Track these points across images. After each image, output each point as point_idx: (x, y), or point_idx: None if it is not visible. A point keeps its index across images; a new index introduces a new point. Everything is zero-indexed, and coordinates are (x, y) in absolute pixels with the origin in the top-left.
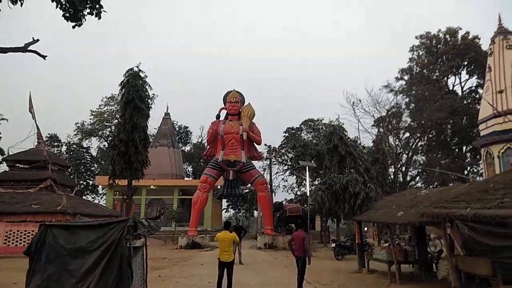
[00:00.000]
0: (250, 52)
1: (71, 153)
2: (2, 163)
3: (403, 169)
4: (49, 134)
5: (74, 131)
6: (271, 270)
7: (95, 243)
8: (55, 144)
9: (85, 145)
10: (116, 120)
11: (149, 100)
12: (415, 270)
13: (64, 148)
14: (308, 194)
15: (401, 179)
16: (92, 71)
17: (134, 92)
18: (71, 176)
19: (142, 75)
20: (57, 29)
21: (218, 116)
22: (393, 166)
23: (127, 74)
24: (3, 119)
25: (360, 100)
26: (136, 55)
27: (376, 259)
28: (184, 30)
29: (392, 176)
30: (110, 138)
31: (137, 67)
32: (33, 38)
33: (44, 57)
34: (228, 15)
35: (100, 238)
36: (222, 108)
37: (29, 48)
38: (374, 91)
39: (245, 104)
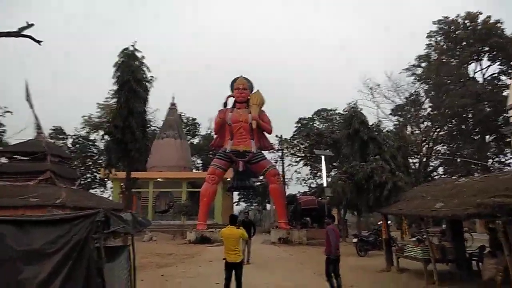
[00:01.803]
0: (258, 45)
1: (77, 145)
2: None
3: (424, 159)
4: (54, 126)
5: (81, 124)
6: (287, 268)
7: (54, 244)
8: (60, 136)
9: (92, 138)
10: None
11: (147, 83)
12: (452, 269)
13: (70, 141)
14: (325, 185)
15: (422, 169)
16: (97, 63)
17: (129, 73)
18: (76, 169)
19: (138, 55)
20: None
21: (225, 104)
22: (415, 156)
23: (122, 55)
24: (7, 111)
25: (378, 85)
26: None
27: (408, 257)
28: (192, 21)
29: (416, 166)
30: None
31: (133, 46)
32: (27, 22)
33: (39, 42)
34: (236, 6)
35: (61, 238)
36: (230, 96)
37: (23, 33)
38: (394, 75)
39: (254, 91)
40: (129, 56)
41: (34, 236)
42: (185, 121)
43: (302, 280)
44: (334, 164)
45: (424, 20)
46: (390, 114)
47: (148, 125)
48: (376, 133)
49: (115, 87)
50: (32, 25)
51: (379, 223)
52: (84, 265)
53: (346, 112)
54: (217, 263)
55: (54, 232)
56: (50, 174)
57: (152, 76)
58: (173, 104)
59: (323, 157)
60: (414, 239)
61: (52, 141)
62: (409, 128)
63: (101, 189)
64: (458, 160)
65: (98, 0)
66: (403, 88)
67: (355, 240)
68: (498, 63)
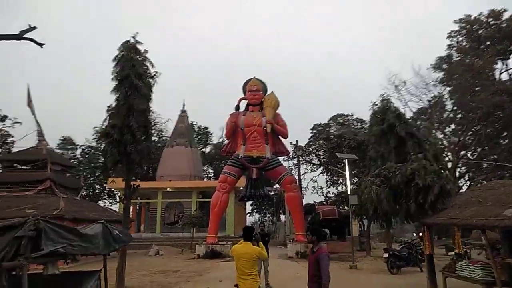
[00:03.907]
0: (271, 48)
1: (86, 156)
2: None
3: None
4: (62, 137)
5: (93, 135)
6: None
7: None
8: (69, 147)
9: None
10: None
11: (150, 80)
12: None
13: (79, 152)
14: (349, 192)
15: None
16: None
17: (129, 67)
18: (81, 179)
19: (141, 48)
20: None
21: (237, 107)
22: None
23: (121, 48)
24: (16, 122)
25: (404, 82)
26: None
27: (461, 277)
28: (203, 27)
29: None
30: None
31: (134, 38)
32: (29, 25)
33: (41, 45)
34: (248, 7)
35: None
36: (242, 98)
37: (25, 36)
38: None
39: (268, 93)
40: (129, 49)
41: None
42: (196, 129)
43: None
44: (356, 170)
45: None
46: (412, 117)
47: (153, 127)
48: (415, 128)
49: (114, 84)
50: (34, 28)
51: (414, 234)
52: None
53: (376, 107)
54: (228, 283)
55: None
56: (50, 183)
57: (156, 72)
58: (183, 111)
59: (346, 161)
60: (452, 253)
61: (60, 151)
62: (438, 132)
63: (110, 201)
64: (485, 165)
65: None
66: (431, 84)
67: (386, 255)
68: None
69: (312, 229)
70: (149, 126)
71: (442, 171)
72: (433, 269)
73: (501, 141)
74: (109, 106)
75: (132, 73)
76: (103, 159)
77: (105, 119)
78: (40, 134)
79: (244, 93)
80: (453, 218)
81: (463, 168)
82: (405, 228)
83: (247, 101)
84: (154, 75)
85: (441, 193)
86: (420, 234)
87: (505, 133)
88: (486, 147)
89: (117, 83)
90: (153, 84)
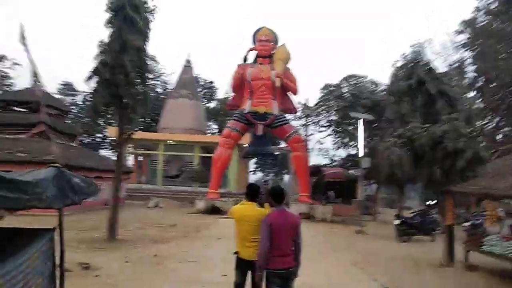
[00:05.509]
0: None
1: (88, 103)
2: None
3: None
4: (63, 81)
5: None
6: (315, 257)
7: None
8: (70, 93)
9: None
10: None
11: (148, 15)
12: None
13: (80, 98)
14: (361, 155)
15: None
16: None
17: None
18: (79, 125)
19: None
20: None
21: (245, 59)
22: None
23: None
24: (15, 64)
25: (430, 40)
26: None
27: (488, 253)
28: None
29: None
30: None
31: None
32: None
33: None
34: None
35: None
36: (251, 49)
37: None
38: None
39: (279, 44)
40: None
41: None
42: (201, 83)
43: (339, 277)
44: (367, 132)
45: None
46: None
47: (157, 78)
48: (448, 86)
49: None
50: None
51: (428, 202)
52: None
53: (405, 58)
54: (227, 242)
55: None
56: (44, 127)
57: (155, 6)
58: (188, 62)
59: (360, 121)
60: (467, 224)
61: (59, 96)
62: None
63: (112, 150)
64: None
65: None
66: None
67: (397, 221)
68: None
69: (275, 192)
70: (145, 67)
71: (477, 135)
72: (452, 241)
73: None
74: (101, 41)
75: (128, 3)
76: (92, 100)
77: (96, 55)
78: (35, 74)
79: (254, 42)
80: (489, 189)
81: None
82: (407, 195)
83: (256, 52)
84: (153, 9)
85: (473, 159)
86: (432, 202)
87: None
88: (502, 118)
89: (111, 15)
90: (151, 21)
